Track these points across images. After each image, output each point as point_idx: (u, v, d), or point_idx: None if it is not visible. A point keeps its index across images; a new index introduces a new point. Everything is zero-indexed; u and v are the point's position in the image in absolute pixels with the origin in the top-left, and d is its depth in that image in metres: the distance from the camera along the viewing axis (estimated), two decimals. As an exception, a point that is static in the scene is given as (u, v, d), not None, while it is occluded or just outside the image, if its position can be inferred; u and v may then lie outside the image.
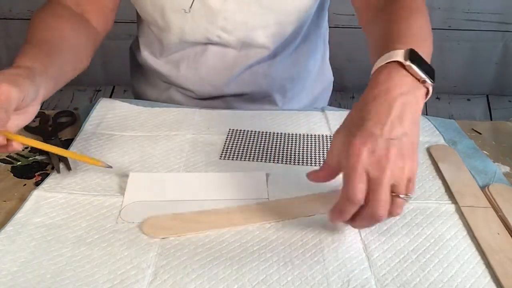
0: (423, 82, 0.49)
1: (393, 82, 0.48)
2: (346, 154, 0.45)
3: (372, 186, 0.44)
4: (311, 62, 0.88)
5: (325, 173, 0.50)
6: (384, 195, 0.44)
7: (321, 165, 0.62)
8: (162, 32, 0.78)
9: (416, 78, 0.48)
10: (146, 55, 0.85)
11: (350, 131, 0.47)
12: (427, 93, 0.50)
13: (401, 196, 0.45)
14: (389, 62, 0.49)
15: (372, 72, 0.51)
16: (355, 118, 0.48)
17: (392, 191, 0.45)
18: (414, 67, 0.48)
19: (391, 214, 0.46)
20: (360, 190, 0.44)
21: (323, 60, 0.93)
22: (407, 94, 0.47)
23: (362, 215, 0.46)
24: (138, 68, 0.92)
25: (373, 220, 0.46)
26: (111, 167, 0.59)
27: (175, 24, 0.75)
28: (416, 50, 0.50)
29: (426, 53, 0.52)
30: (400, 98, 0.47)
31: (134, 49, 0.91)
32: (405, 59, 0.48)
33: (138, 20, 0.85)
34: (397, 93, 0.47)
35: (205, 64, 0.80)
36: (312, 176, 0.51)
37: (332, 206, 0.47)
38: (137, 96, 0.95)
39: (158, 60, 0.84)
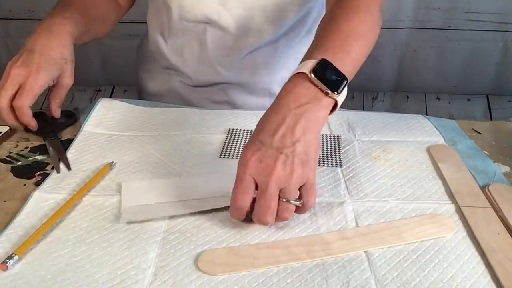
0: (326, 93, 0.50)
1: (293, 95, 0.50)
2: (238, 164, 0.48)
3: (259, 193, 0.48)
4: None
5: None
6: (267, 201, 0.47)
7: (319, 164, 0.63)
8: (169, 9, 0.79)
9: (320, 90, 0.50)
10: (155, 40, 0.86)
11: (247, 143, 0.49)
12: (336, 104, 0.52)
13: (291, 201, 0.48)
14: (297, 73, 0.51)
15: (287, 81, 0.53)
16: (255, 130, 0.50)
17: (281, 197, 0.48)
18: (316, 80, 0.50)
19: (278, 218, 0.49)
20: (241, 199, 0.48)
21: None
22: (305, 105, 0.49)
23: (253, 219, 0.50)
24: (143, 60, 0.93)
25: (260, 223, 0.49)
26: (113, 162, 0.63)
27: None
28: (337, 55, 0.52)
29: (350, 58, 0.55)
30: (296, 110, 0.49)
31: (143, 39, 0.93)
32: (310, 71, 0.50)
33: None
34: (295, 106, 0.49)
35: (205, 48, 0.80)
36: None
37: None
38: (140, 88, 0.96)
39: (166, 44, 0.85)
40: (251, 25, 0.77)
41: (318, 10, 0.82)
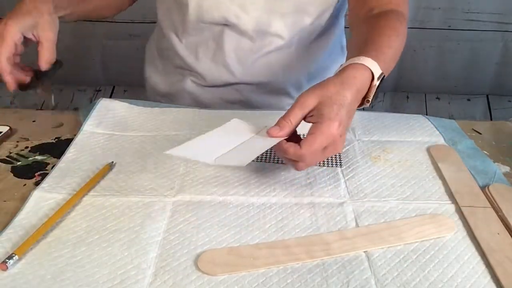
0: (367, 101, 0.58)
1: (361, 85, 0.56)
2: (322, 125, 0.51)
3: (320, 155, 0.53)
4: (327, 61, 0.88)
5: (287, 132, 0.54)
6: (316, 162, 0.55)
7: (319, 164, 0.63)
8: (184, 8, 0.78)
9: (366, 95, 0.58)
10: (169, 38, 0.85)
11: (332, 107, 0.52)
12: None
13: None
14: (368, 68, 0.57)
15: (358, 58, 0.57)
16: (335, 95, 0.53)
17: None
18: (374, 88, 0.57)
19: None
20: (307, 159, 0.52)
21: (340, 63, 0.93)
22: (359, 99, 0.57)
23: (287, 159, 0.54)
24: (152, 60, 0.93)
25: (293, 167, 0.55)
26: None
27: None
28: (386, 73, 0.59)
29: (386, 75, 0.61)
30: (356, 100, 0.56)
31: (151, 39, 0.93)
32: (378, 79, 0.57)
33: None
34: (359, 96, 0.56)
35: (221, 49, 0.80)
36: (274, 133, 0.54)
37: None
38: (148, 88, 0.95)
39: (180, 42, 0.85)
40: (269, 28, 0.77)
41: (332, 13, 0.82)
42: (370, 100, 0.58)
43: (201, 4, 0.76)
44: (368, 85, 0.57)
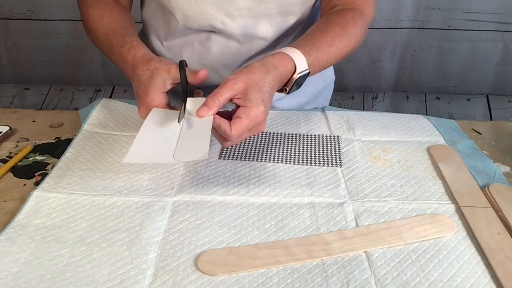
0: (284, 91, 0.63)
1: (283, 75, 0.60)
2: (251, 110, 0.55)
3: (239, 133, 0.56)
4: None
5: (215, 110, 0.56)
6: (238, 141, 0.59)
7: (319, 164, 0.63)
8: (170, 15, 0.78)
9: (285, 84, 0.62)
10: (151, 40, 0.85)
11: (258, 93, 0.56)
12: None
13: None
14: (293, 60, 0.60)
15: (289, 48, 0.62)
16: (261, 80, 0.57)
17: None
18: (294, 81, 0.61)
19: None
20: (235, 139, 0.57)
21: None
22: (277, 87, 0.61)
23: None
24: None
25: (222, 145, 0.59)
26: None
27: (179, 5, 0.75)
28: (316, 68, 0.64)
29: (316, 72, 0.65)
30: (275, 86, 0.60)
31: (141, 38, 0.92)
32: (299, 73, 0.61)
33: (145, 2, 0.85)
34: (279, 83, 0.60)
35: (208, 52, 0.80)
36: (203, 114, 0.56)
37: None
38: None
39: (162, 46, 0.84)
40: (256, 31, 0.77)
41: (313, 10, 0.82)
42: (288, 89, 0.62)
43: (187, 13, 0.76)
44: (289, 76, 0.61)
